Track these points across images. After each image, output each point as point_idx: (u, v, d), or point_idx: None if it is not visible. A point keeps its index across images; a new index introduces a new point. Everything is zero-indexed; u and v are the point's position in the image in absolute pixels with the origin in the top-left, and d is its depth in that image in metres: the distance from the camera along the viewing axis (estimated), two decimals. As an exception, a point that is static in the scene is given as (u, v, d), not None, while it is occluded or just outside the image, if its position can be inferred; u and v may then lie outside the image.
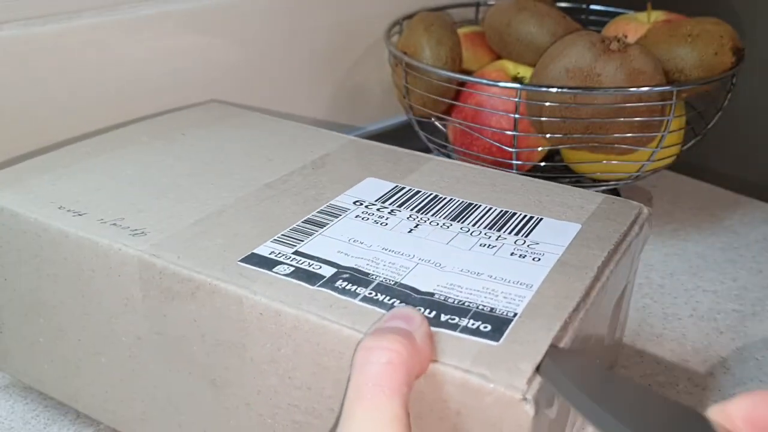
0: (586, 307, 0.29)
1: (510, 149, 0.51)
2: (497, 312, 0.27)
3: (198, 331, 0.31)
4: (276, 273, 0.30)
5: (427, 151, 0.67)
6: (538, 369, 0.25)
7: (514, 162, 0.51)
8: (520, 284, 0.29)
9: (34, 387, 0.39)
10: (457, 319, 0.27)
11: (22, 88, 0.47)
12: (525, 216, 0.35)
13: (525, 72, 0.54)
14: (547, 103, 0.47)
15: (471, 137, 0.54)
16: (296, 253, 0.31)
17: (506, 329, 0.26)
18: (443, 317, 0.27)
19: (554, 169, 0.58)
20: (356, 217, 0.34)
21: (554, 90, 0.47)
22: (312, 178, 0.39)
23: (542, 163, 0.55)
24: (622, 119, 0.46)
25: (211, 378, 0.31)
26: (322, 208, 0.35)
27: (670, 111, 0.48)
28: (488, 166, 0.42)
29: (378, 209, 0.35)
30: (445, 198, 0.36)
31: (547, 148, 0.53)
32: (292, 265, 0.30)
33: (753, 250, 0.54)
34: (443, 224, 0.34)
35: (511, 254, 0.31)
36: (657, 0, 0.56)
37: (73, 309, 0.35)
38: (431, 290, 0.29)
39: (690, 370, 0.42)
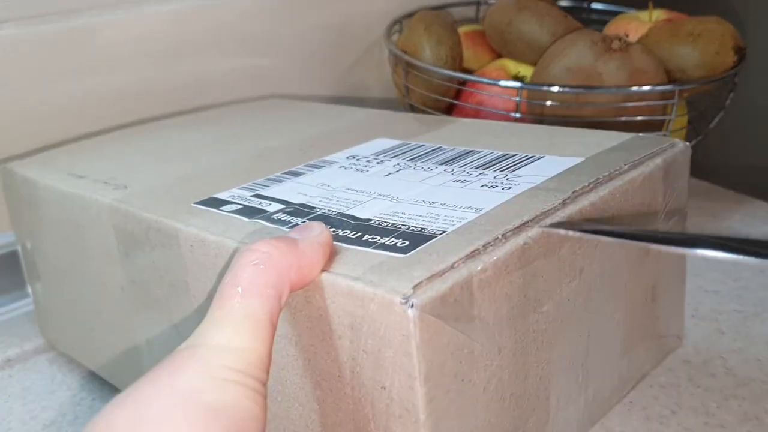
0: (541, 226, 0.26)
1: (511, 149, 0.51)
2: (426, 231, 0.26)
3: (157, 273, 0.31)
4: (221, 211, 0.30)
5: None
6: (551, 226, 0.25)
7: (515, 162, 0.51)
8: (470, 208, 0.27)
9: (68, 354, 0.43)
10: (378, 238, 0.26)
11: (22, 87, 0.47)
12: (525, 156, 0.33)
13: (526, 71, 0.54)
14: (549, 103, 0.47)
15: (471, 137, 0.53)
16: (255, 195, 0.31)
17: (423, 245, 0.25)
18: (365, 237, 0.26)
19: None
20: (340, 167, 0.34)
21: (555, 89, 0.46)
22: (322, 141, 0.39)
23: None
24: (623, 118, 0.46)
25: (173, 323, 0.31)
26: (311, 162, 0.35)
27: (671, 110, 0.48)
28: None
29: (368, 161, 0.35)
30: (447, 148, 0.35)
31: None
32: (241, 204, 0.30)
33: (754, 250, 0.54)
34: (428, 168, 0.33)
35: (482, 186, 0.30)
36: (658, -1, 0.56)
37: (77, 268, 0.37)
38: (370, 217, 0.28)
39: (691, 370, 0.42)
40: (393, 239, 0.25)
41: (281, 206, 0.30)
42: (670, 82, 0.49)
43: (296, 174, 0.34)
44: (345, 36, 0.62)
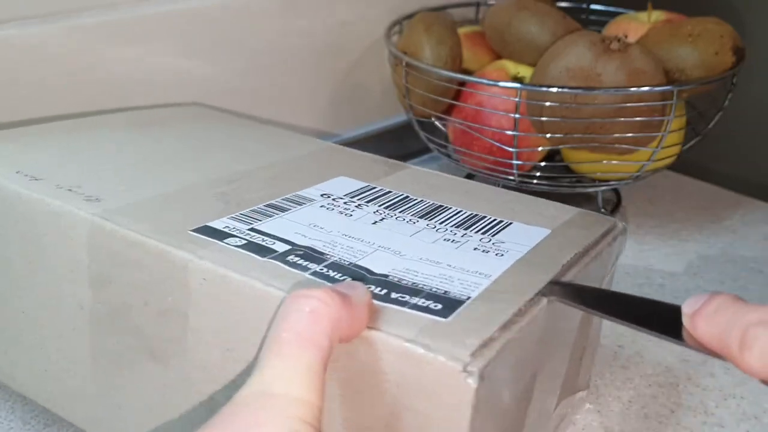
0: (546, 300, 0.28)
1: (510, 149, 0.51)
2: (451, 294, 0.27)
3: (142, 298, 0.30)
4: (227, 244, 0.29)
5: (427, 150, 0.67)
6: (540, 293, 0.27)
7: (515, 162, 0.51)
8: (479, 273, 0.28)
9: (7, 385, 0.38)
10: (407, 297, 0.26)
11: (22, 88, 0.47)
12: (494, 219, 0.34)
13: (525, 72, 0.54)
14: (548, 103, 0.47)
15: (471, 137, 0.54)
16: (252, 229, 0.31)
17: (458, 309, 0.26)
18: (394, 295, 0.26)
19: (554, 169, 0.58)
20: (321, 206, 0.34)
21: (555, 90, 0.47)
22: (285, 171, 0.38)
23: (542, 163, 0.55)
24: (622, 119, 0.46)
25: (150, 350, 0.30)
26: (287, 196, 0.35)
27: (670, 111, 0.48)
28: (480, 171, 0.41)
29: (345, 202, 0.34)
30: (415, 199, 0.36)
31: (547, 148, 0.53)
32: (244, 239, 0.30)
33: (754, 250, 0.54)
34: (410, 220, 0.33)
35: (475, 249, 0.31)
36: (657, 0, 0.56)
37: (20, 274, 0.34)
38: (386, 272, 0.28)
39: (690, 370, 0.42)
40: (424, 300, 0.26)
41: (288, 247, 0.29)
42: (669, 82, 0.49)
43: (279, 209, 0.33)
44: (345, 36, 0.62)
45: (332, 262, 0.28)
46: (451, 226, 0.33)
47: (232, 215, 0.32)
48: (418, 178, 0.39)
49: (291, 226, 0.31)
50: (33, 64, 0.47)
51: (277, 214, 0.33)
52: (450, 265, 0.29)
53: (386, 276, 0.28)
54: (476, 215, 0.35)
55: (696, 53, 0.49)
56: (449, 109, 0.55)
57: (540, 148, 0.52)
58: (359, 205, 0.34)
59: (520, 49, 0.54)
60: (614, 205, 0.60)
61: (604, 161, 0.51)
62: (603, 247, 0.33)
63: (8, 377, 0.37)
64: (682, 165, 0.58)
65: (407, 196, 0.36)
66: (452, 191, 0.37)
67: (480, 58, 0.58)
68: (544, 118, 0.48)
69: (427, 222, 0.33)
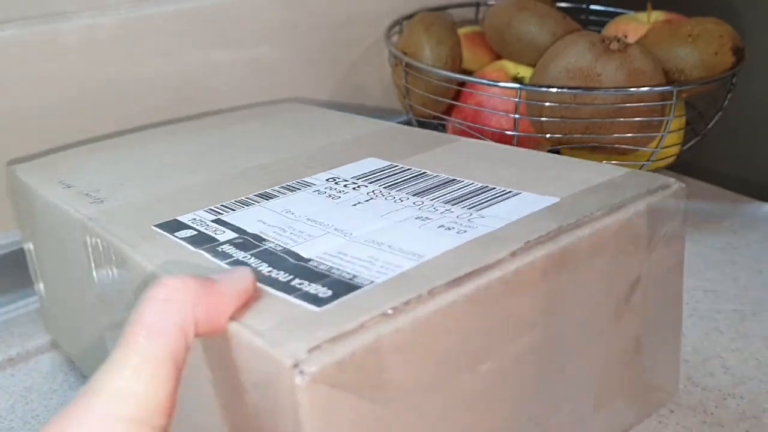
0: (485, 281, 0.25)
1: (510, 149, 0.51)
2: (355, 280, 0.25)
3: (119, 295, 0.31)
4: (174, 236, 0.30)
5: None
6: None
7: (514, 162, 0.51)
8: (411, 254, 0.26)
9: (68, 354, 0.44)
10: (306, 283, 0.25)
11: (22, 88, 0.47)
12: (502, 191, 0.32)
13: (525, 72, 0.54)
14: (547, 103, 0.47)
15: (471, 137, 0.54)
16: (216, 220, 0.31)
17: (343, 296, 0.23)
18: (295, 281, 0.25)
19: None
20: (314, 191, 0.34)
21: (554, 90, 0.47)
22: (314, 159, 0.38)
23: (542, 163, 0.55)
24: (622, 119, 0.46)
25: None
26: (288, 183, 0.35)
27: (670, 111, 0.48)
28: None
29: (345, 185, 0.34)
30: (430, 175, 0.35)
31: (547, 148, 0.53)
32: (196, 230, 0.30)
33: (753, 250, 0.54)
34: (398, 198, 0.32)
35: (439, 226, 0.28)
36: (657, 0, 0.56)
37: (63, 276, 0.38)
38: (312, 257, 0.27)
39: (690, 370, 0.42)
40: (319, 286, 0.24)
41: (234, 236, 0.29)
42: (668, 82, 0.49)
43: (268, 197, 0.33)
44: (345, 36, 0.62)
45: (263, 249, 0.28)
46: (442, 201, 0.31)
47: (210, 207, 0.32)
48: (464, 151, 0.38)
49: (260, 215, 0.31)
50: (41, 63, 0.47)
51: (257, 202, 0.33)
52: (390, 246, 0.27)
53: (308, 261, 0.27)
54: (485, 187, 0.32)
55: (696, 53, 0.49)
56: (449, 110, 0.55)
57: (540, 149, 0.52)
58: (357, 186, 0.34)
59: (520, 49, 0.54)
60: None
61: (604, 161, 0.51)
62: (632, 216, 0.29)
63: (68, 348, 0.43)
64: (682, 165, 0.58)
65: (423, 173, 0.35)
66: (492, 161, 0.36)
67: (480, 58, 0.58)
68: (544, 118, 0.48)
69: (416, 200, 0.32)
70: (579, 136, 0.48)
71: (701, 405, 0.39)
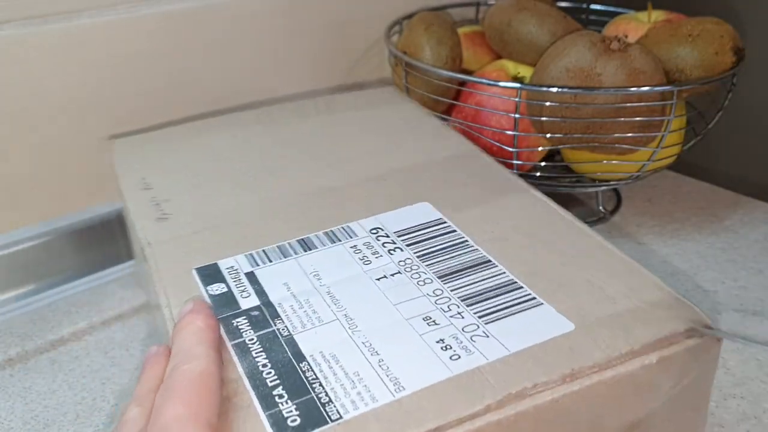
0: None
1: (510, 149, 0.51)
2: (326, 409, 0.26)
3: (156, 323, 0.34)
4: (207, 290, 0.32)
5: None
6: None
7: (515, 162, 0.51)
8: (396, 384, 0.26)
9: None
10: (284, 400, 0.26)
11: (22, 88, 0.47)
12: (525, 296, 0.30)
13: (525, 72, 0.54)
14: (548, 103, 0.47)
15: (471, 137, 0.54)
16: (248, 274, 0.33)
17: (308, 430, 0.25)
18: (276, 391, 0.26)
19: (554, 169, 0.58)
20: (351, 247, 0.34)
21: (554, 90, 0.47)
22: (375, 189, 0.39)
23: (542, 163, 0.55)
24: (622, 119, 0.46)
25: None
26: (332, 229, 0.36)
27: (670, 111, 0.48)
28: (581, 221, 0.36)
29: (383, 244, 0.34)
30: (469, 247, 0.34)
31: (547, 148, 0.53)
32: (227, 286, 0.32)
33: (753, 250, 0.54)
34: (421, 281, 0.32)
35: (438, 340, 0.28)
36: (657, 0, 0.56)
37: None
38: (307, 354, 0.28)
39: (690, 370, 0.42)
40: (293, 407, 0.26)
41: (255, 304, 0.31)
42: (669, 82, 0.49)
43: (307, 246, 0.34)
44: (345, 36, 0.62)
45: (269, 332, 0.29)
46: (461, 297, 0.31)
47: (250, 252, 0.34)
48: (523, 211, 0.36)
49: (290, 272, 0.33)
50: (41, 63, 0.47)
51: (294, 254, 0.34)
52: (381, 362, 0.27)
53: (302, 359, 0.28)
54: (513, 283, 0.31)
55: (696, 53, 0.49)
56: (449, 109, 0.55)
57: (540, 148, 0.52)
58: (393, 249, 0.34)
59: (520, 49, 0.54)
60: (614, 205, 0.60)
61: (604, 161, 0.51)
62: (632, 368, 0.26)
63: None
64: (682, 165, 0.58)
65: (465, 242, 0.34)
66: (540, 237, 0.34)
67: (480, 58, 0.58)
68: (544, 118, 0.48)
69: (438, 285, 0.31)
70: (579, 135, 0.48)
71: (701, 405, 0.39)
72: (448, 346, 0.28)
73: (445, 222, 0.36)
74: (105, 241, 0.52)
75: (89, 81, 0.49)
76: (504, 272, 0.32)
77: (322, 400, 0.26)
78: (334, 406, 0.26)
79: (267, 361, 0.28)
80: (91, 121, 0.50)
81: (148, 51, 0.52)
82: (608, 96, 0.46)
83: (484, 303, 0.30)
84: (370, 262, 0.33)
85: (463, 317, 0.29)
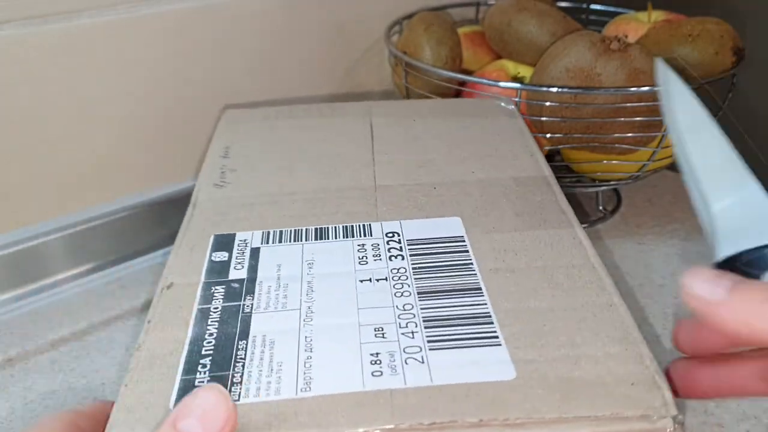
0: None
1: (510, 149, 0.51)
2: (232, 389, 0.26)
3: None
4: (212, 256, 0.34)
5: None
6: None
7: (515, 162, 0.51)
8: (306, 384, 0.27)
9: None
10: (206, 369, 0.27)
11: (22, 88, 0.47)
12: (491, 332, 0.29)
13: (525, 72, 0.54)
14: (548, 103, 0.47)
15: (471, 137, 0.54)
16: (254, 249, 0.34)
17: None
18: (205, 360, 0.28)
19: (554, 169, 0.58)
20: (359, 245, 0.34)
21: (554, 90, 0.47)
22: (420, 195, 0.38)
23: (542, 163, 0.55)
24: (622, 119, 0.46)
25: None
26: (352, 224, 0.36)
27: (670, 111, 0.48)
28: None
29: (390, 248, 0.34)
30: (467, 271, 0.32)
31: (547, 148, 0.53)
32: (230, 255, 0.34)
33: (753, 250, 0.54)
34: (402, 292, 0.31)
35: (374, 353, 0.28)
36: (657, 0, 0.56)
37: None
38: (251, 334, 0.29)
39: (690, 370, 0.42)
40: (206, 379, 0.27)
41: (239, 277, 0.32)
42: (669, 82, 0.49)
43: (321, 236, 0.35)
44: (345, 36, 0.62)
45: (234, 305, 0.31)
46: (423, 317, 0.30)
47: (268, 230, 0.36)
48: (546, 247, 0.34)
49: (289, 256, 0.34)
50: (41, 63, 0.47)
51: (303, 239, 0.35)
52: (308, 359, 0.28)
53: (244, 338, 0.29)
54: (485, 316, 0.29)
55: (696, 53, 0.49)
56: (449, 109, 0.55)
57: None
58: (395, 256, 0.34)
59: (520, 49, 0.54)
60: (614, 205, 0.60)
61: (604, 161, 0.51)
62: None
63: None
64: (682, 165, 0.57)
65: (469, 264, 0.33)
66: (547, 277, 0.32)
67: (480, 58, 0.58)
68: (544, 118, 0.48)
69: (412, 301, 0.30)
70: (579, 135, 0.48)
71: (702, 405, 0.39)
72: (378, 361, 0.27)
73: (463, 241, 0.34)
74: (103, 241, 0.52)
75: (89, 81, 0.49)
76: (485, 304, 0.30)
77: (234, 380, 0.27)
78: (239, 388, 0.26)
79: (215, 331, 0.29)
80: (90, 121, 0.50)
81: (148, 51, 0.52)
82: (608, 96, 0.46)
83: (444, 329, 0.29)
84: (366, 263, 0.33)
85: (413, 337, 0.28)
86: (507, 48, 0.55)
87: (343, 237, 0.35)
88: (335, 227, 0.36)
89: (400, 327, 0.29)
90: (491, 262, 0.33)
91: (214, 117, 0.55)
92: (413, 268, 0.33)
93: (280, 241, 0.35)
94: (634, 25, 0.55)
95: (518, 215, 0.37)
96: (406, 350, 0.28)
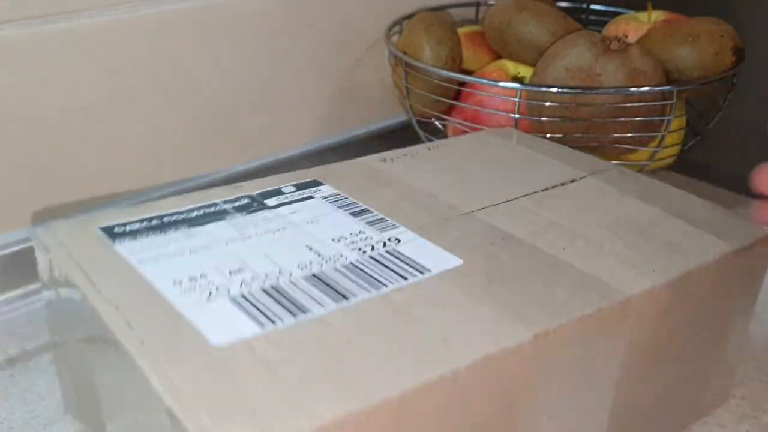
0: None
1: (510, 149, 0.51)
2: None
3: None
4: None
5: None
6: None
7: (515, 162, 0.51)
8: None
9: None
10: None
11: (22, 88, 0.47)
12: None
13: (525, 72, 0.54)
14: (548, 103, 0.47)
15: (471, 137, 0.54)
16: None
17: None
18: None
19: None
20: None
21: (554, 90, 0.47)
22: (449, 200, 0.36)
23: (542, 163, 0.55)
24: (622, 119, 0.46)
25: None
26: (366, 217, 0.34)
27: (670, 111, 0.48)
28: None
29: (372, 245, 0.32)
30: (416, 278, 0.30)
31: (547, 148, 0.53)
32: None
33: (753, 250, 0.54)
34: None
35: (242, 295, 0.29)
36: (657, 0, 0.56)
37: None
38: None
39: (690, 370, 0.42)
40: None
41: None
42: (668, 82, 0.49)
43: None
44: (345, 36, 0.62)
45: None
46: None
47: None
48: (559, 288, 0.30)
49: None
50: (41, 63, 0.47)
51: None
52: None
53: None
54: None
55: (696, 53, 0.49)
56: (449, 110, 0.55)
57: (540, 148, 0.52)
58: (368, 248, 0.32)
59: (520, 49, 0.54)
60: (614, 205, 0.60)
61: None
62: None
63: None
64: (682, 165, 0.58)
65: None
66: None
67: (480, 58, 0.58)
68: (544, 118, 0.48)
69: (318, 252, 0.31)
70: (579, 136, 0.48)
71: (701, 405, 0.39)
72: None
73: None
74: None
75: (89, 81, 0.49)
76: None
77: None
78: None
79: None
80: (90, 121, 0.50)
81: (148, 51, 0.52)
82: (608, 96, 0.46)
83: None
84: (360, 210, 0.34)
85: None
86: (507, 48, 0.55)
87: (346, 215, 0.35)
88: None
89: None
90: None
91: (214, 117, 0.55)
92: (367, 224, 0.34)
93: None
94: (634, 25, 0.55)
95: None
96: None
